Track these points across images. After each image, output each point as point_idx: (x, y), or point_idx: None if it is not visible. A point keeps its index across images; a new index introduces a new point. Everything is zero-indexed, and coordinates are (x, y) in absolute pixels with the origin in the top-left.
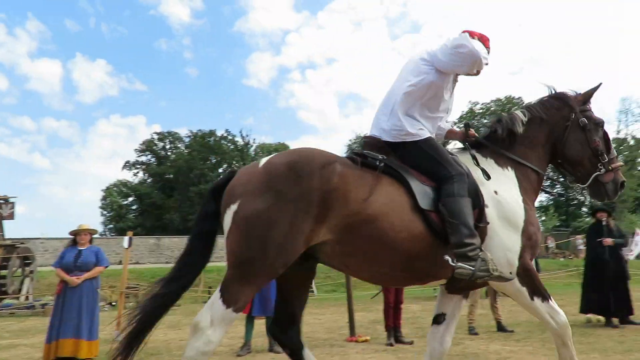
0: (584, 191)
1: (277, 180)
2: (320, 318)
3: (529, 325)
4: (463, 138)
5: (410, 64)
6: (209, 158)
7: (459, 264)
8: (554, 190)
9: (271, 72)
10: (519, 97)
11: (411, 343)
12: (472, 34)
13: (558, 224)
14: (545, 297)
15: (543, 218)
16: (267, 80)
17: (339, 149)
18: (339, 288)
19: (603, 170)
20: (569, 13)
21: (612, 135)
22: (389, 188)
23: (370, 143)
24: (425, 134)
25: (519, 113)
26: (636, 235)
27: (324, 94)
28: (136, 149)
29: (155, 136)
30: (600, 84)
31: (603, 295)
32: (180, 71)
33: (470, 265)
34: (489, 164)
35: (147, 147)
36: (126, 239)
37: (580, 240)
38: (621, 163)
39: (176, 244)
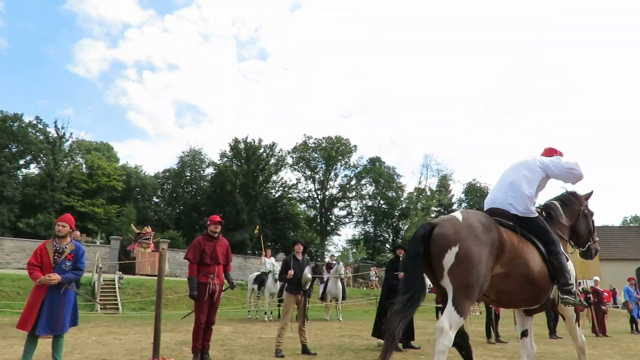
0: (577, 250)
1: (478, 232)
2: (121, 338)
3: (330, 349)
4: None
5: (528, 166)
6: (9, 146)
7: (565, 296)
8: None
9: (103, 64)
10: (347, 138)
11: None
12: (556, 151)
13: (365, 256)
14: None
15: (354, 250)
16: (97, 72)
17: (170, 160)
18: (148, 306)
19: (592, 242)
20: (396, 67)
21: (414, 186)
22: (527, 244)
23: (497, 213)
24: (536, 213)
25: (560, 208)
26: None
27: (160, 99)
28: None
29: None
30: (592, 191)
31: None
32: None
33: (572, 297)
34: None
35: None
36: None
37: (372, 272)
38: (597, 239)
39: None
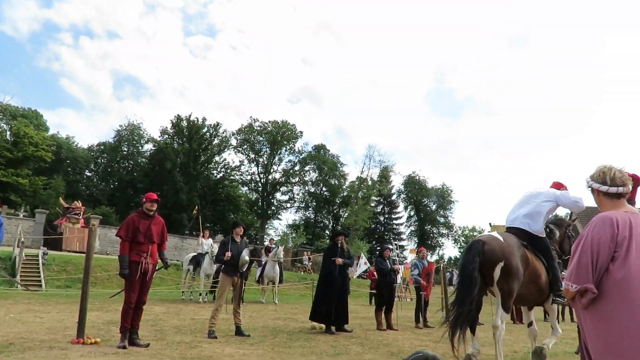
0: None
1: (515, 250)
2: (42, 317)
3: (264, 331)
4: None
5: (544, 196)
6: None
7: (557, 298)
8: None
9: (34, 25)
10: (293, 124)
11: (147, 346)
12: (563, 185)
13: (304, 241)
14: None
15: (294, 235)
16: (27, 32)
17: (106, 133)
18: (74, 284)
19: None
20: (345, 56)
21: (356, 175)
22: (537, 259)
23: (514, 232)
24: (544, 234)
25: (556, 230)
26: (361, 258)
27: (97, 69)
28: None
29: None
30: (577, 217)
31: (328, 306)
32: None
33: (562, 299)
34: None
35: None
36: None
37: (306, 257)
38: None
39: None
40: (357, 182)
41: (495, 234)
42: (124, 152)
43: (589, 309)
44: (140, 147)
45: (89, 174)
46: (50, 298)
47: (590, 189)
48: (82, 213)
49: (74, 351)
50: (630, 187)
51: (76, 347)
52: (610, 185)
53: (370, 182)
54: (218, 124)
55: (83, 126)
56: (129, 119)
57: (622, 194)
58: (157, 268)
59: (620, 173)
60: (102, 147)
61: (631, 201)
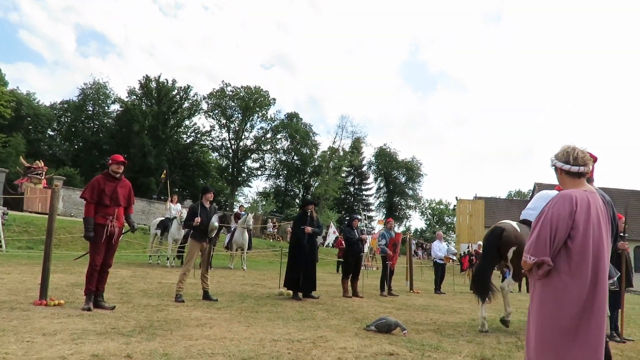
0: None
1: (526, 237)
2: (3, 277)
3: (231, 296)
4: None
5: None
6: None
7: None
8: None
9: None
10: (266, 91)
11: (112, 308)
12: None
13: (274, 209)
14: None
15: (264, 203)
16: None
17: (70, 91)
18: (36, 245)
19: None
20: (320, 24)
21: (328, 145)
22: None
23: (528, 223)
24: None
25: None
26: (330, 227)
27: (60, 22)
28: None
29: None
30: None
31: (296, 273)
32: None
33: None
34: None
35: None
36: None
37: (270, 224)
38: None
39: None
40: (328, 152)
41: (514, 223)
42: (89, 112)
43: (544, 281)
44: (106, 107)
45: (51, 133)
46: (11, 259)
47: (553, 167)
48: (44, 173)
49: (37, 312)
50: (591, 167)
51: (39, 308)
52: (572, 165)
53: (341, 153)
54: (189, 86)
55: (45, 82)
56: (94, 77)
57: (583, 174)
58: (123, 231)
59: (583, 153)
60: (65, 105)
61: (590, 179)
